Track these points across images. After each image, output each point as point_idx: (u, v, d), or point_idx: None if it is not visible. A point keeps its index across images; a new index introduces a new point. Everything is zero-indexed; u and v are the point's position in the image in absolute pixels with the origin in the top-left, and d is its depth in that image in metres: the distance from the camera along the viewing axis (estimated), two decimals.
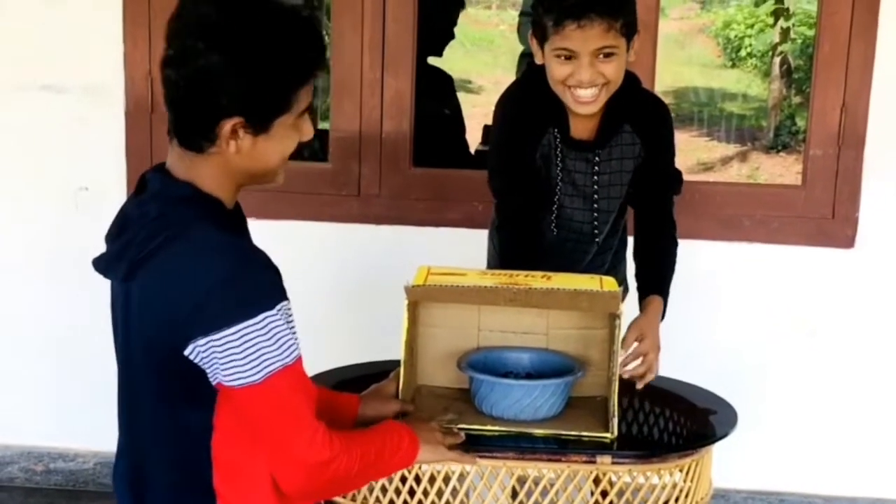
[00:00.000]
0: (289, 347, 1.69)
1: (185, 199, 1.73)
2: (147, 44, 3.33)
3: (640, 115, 2.48)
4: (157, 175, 1.77)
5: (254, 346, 1.65)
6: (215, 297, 1.65)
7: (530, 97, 2.44)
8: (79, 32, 3.37)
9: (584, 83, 2.32)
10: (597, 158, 2.48)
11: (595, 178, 2.49)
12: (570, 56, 2.30)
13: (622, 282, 2.60)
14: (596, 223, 2.55)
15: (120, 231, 1.77)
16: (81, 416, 3.48)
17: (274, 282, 1.70)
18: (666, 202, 2.55)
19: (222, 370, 1.67)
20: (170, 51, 1.72)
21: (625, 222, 2.67)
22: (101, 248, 1.81)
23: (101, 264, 1.79)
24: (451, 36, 4.54)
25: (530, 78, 2.44)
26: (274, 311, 1.67)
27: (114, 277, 1.79)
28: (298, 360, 1.71)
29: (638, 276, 2.52)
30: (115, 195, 3.39)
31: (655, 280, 2.48)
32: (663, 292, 2.47)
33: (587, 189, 2.50)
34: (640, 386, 2.33)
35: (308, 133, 1.80)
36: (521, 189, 2.48)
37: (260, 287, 1.68)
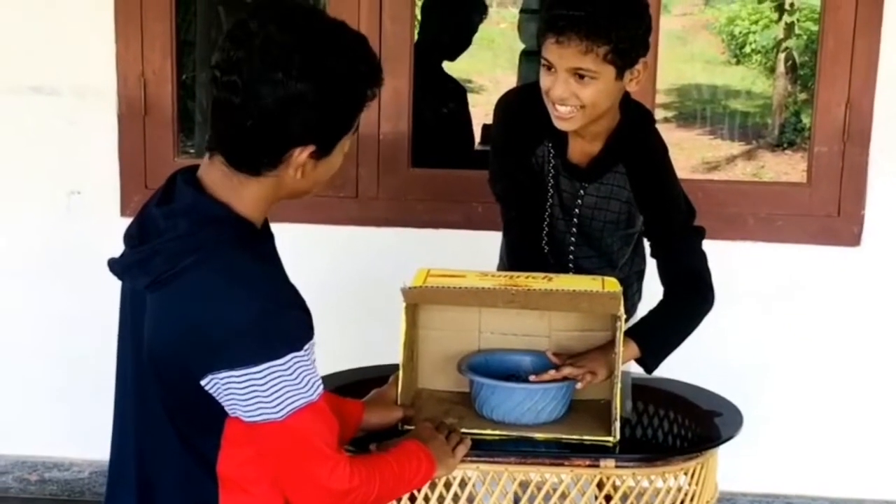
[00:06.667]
0: (313, 385, 1.67)
1: (218, 219, 1.66)
2: (139, 45, 3.30)
3: (636, 160, 2.37)
4: (189, 189, 1.69)
5: (279, 384, 1.63)
6: (243, 335, 1.61)
7: (528, 105, 2.35)
8: (70, 33, 3.34)
9: (556, 99, 2.24)
10: (581, 192, 2.41)
11: (577, 210, 2.43)
12: (550, 67, 2.24)
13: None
14: (573, 247, 2.48)
15: (143, 236, 1.69)
16: (76, 425, 3.45)
17: (303, 321, 1.67)
18: (681, 258, 2.35)
19: (242, 404, 1.64)
20: (232, 77, 1.63)
21: (622, 261, 2.54)
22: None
23: (117, 267, 1.72)
24: (469, 43, 4.55)
25: (533, 85, 2.37)
26: (302, 352, 1.65)
27: (131, 284, 1.72)
28: (322, 395, 1.70)
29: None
30: (108, 199, 3.37)
31: (642, 326, 2.28)
32: (641, 339, 2.23)
33: (571, 211, 2.44)
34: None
35: (348, 147, 1.77)
36: (520, 193, 2.44)
37: (289, 328, 1.65)
